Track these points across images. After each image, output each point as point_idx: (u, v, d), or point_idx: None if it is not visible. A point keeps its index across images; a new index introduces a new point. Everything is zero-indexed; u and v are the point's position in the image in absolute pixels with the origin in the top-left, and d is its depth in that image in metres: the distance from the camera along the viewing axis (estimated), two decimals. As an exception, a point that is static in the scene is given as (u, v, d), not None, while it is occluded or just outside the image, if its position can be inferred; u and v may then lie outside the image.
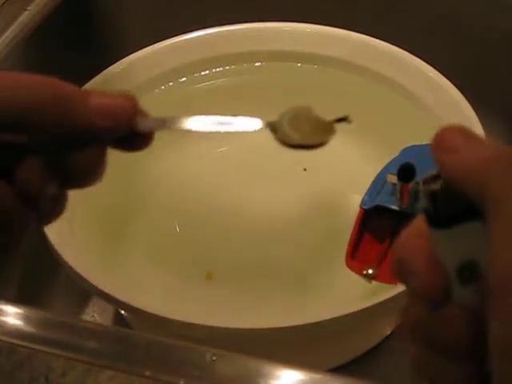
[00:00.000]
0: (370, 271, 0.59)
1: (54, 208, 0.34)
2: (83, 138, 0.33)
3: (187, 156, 0.69)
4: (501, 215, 0.25)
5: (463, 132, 0.27)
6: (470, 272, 0.27)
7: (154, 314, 0.49)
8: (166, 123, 0.35)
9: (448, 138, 0.27)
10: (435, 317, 0.27)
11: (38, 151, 0.32)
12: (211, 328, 0.48)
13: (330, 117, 0.38)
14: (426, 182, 0.28)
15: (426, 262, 0.27)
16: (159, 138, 0.76)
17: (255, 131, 0.35)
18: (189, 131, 0.35)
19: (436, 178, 0.28)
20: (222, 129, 0.35)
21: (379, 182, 0.62)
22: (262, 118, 0.35)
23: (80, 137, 0.33)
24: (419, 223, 0.28)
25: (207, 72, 0.72)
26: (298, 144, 0.37)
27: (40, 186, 0.32)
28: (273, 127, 0.36)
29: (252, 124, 0.35)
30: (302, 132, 0.36)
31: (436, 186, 0.27)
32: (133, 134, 0.34)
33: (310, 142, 0.37)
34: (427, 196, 0.28)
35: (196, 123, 0.35)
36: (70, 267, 0.52)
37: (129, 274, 0.61)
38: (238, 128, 0.35)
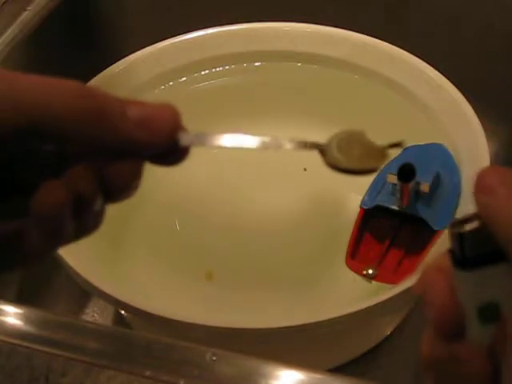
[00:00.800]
0: (370, 271, 0.59)
1: (95, 221, 0.33)
2: (121, 150, 0.31)
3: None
4: None
5: (501, 173, 0.27)
6: (491, 312, 0.27)
7: (153, 314, 0.49)
8: (207, 139, 0.34)
9: (485, 178, 0.27)
10: (450, 351, 0.28)
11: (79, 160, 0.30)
12: (211, 328, 0.48)
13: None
14: (455, 224, 0.28)
15: (444, 297, 0.28)
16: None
17: (301, 152, 0.34)
18: (228, 148, 0.33)
19: (466, 220, 0.28)
20: (265, 148, 0.34)
21: (379, 181, 0.62)
22: (309, 139, 0.35)
23: (118, 149, 0.31)
24: (443, 259, 0.29)
25: (207, 72, 0.72)
26: (346, 168, 0.35)
27: (90, 193, 0.31)
28: (322, 150, 0.35)
29: (299, 145, 0.35)
30: (353, 156, 0.35)
31: (464, 228, 0.28)
32: (171, 148, 0.32)
33: (360, 167, 0.35)
34: (454, 238, 0.28)
35: (238, 141, 0.33)
36: (70, 267, 0.52)
37: (129, 274, 0.61)
38: (282, 147, 0.34)
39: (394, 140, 0.37)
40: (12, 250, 0.31)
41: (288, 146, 0.34)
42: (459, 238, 0.28)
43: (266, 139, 0.33)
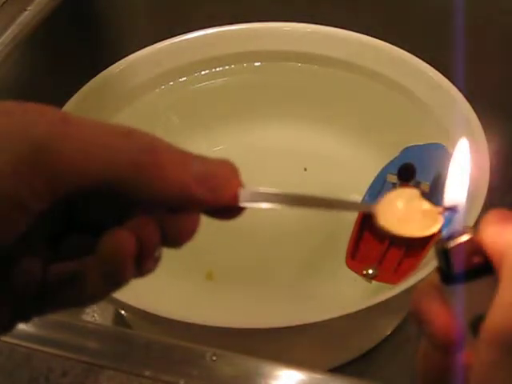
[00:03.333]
0: (370, 271, 0.59)
1: (153, 266, 0.33)
2: (181, 205, 0.30)
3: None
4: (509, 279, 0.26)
5: (503, 213, 0.30)
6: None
7: (153, 314, 0.49)
8: (266, 198, 0.32)
9: (491, 216, 0.30)
10: (450, 364, 0.28)
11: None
12: (211, 328, 0.48)
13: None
14: (439, 241, 0.28)
15: (440, 313, 0.28)
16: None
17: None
18: (288, 208, 0.32)
19: (449, 237, 0.29)
20: (321, 209, 0.33)
21: (379, 181, 0.62)
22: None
23: (178, 204, 0.30)
24: (434, 276, 0.29)
25: (207, 72, 0.72)
26: (400, 235, 0.34)
27: (153, 242, 0.31)
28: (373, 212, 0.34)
29: (354, 207, 0.34)
30: (408, 222, 0.34)
31: (448, 244, 0.28)
32: (230, 206, 0.32)
33: (414, 234, 0.34)
34: (440, 255, 0.28)
35: (297, 201, 0.33)
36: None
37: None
38: (338, 210, 0.34)
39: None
40: (71, 290, 0.31)
41: (345, 208, 0.34)
42: (444, 255, 0.28)
43: (324, 199, 0.33)
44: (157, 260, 0.32)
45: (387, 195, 0.34)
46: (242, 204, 0.32)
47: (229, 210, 0.32)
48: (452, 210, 0.35)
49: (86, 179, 0.28)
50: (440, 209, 0.35)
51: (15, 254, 0.29)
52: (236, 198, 0.31)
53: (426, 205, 0.35)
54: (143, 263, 0.31)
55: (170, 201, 0.30)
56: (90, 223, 0.31)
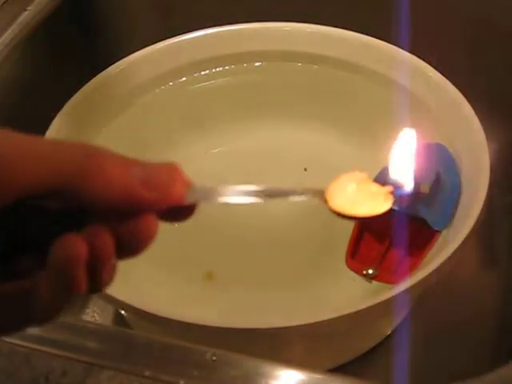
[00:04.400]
0: (370, 271, 0.59)
1: (109, 276, 0.32)
2: (129, 209, 0.31)
3: (186, 156, 0.69)
4: None
5: None
6: None
7: (153, 314, 0.49)
8: (214, 194, 0.34)
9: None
10: None
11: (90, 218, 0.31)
12: (211, 328, 0.48)
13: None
14: None
15: None
16: (158, 138, 0.76)
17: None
18: (238, 203, 0.33)
19: None
20: (274, 198, 0.33)
21: (379, 182, 0.62)
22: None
23: (126, 209, 0.31)
24: None
25: (207, 72, 0.72)
26: (351, 216, 0.35)
27: (107, 249, 0.31)
28: (325, 198, 0.35)
29: (303, 193, 0.34)
30: (357, 202, 0.35)
31: None
32: (178, 206, 0.32)
33: (366, 213, 0.35)
34: None
35: (246, 194, 0.33)
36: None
37: (129, 274, 0.61)
38: (290, 198, 0.34)
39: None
40: (20, 310, 0.30)
41: (296, 195, 0.34)
42: None
43: (273, 189, 0.33)
44: (112, 271, 0.32)
45: (337, 179, 0.35)
46: (190, 201, 0.33)
47: (179, 210, 0.33)
48: (400, 188, 0.36)
49: (32, 182, 0.28)
50: (389, 189, 0.35)
51: None
52: (182, 195, 0.32)
53: (374, 187, 0.36)
54: (98, 274, 0.31)
55: (115, 204, 0.30)
56: (41, 240, 0.31)
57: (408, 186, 0.36)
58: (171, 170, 0.32)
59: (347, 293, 0.60)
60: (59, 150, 0.29)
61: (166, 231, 0.69)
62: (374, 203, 0.35)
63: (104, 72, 0.68)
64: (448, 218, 0.58)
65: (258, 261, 0.63)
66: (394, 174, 0.37)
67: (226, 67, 0.72)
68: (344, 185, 0.35)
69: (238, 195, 0.33)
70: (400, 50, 0.68)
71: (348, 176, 0.35)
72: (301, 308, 0.59)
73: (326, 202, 0.34)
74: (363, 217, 0.35)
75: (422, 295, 0.58)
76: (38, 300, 0.30)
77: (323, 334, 0.53)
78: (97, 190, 0.30)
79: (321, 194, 0.34)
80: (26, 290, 0.30)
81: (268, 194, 0.34)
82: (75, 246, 0.29)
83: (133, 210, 0.31)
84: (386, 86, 0.69)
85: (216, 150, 0.71)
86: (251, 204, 0.32)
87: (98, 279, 0.31)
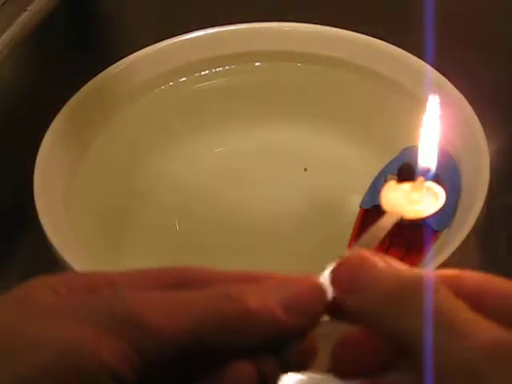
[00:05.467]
0: (370, 271, 0.59)
1: None
2: (273, 337, 0.30)
3: (186, 156, 0.69)
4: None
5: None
6: None
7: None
8: None
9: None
10: None
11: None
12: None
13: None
14: None
15: None
16: (158, 138, 0.76)
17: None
18: None
19: None
20: None
21: (379, 181, 0.62)
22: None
23: (275, 339, 0.30)
24: None
25: (207, 72, 0.72)
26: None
27: (272, 373, 0.30)
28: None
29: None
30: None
31: None
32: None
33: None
34: None
35: None
36: (71, 267, 0.52)
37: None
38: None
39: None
40: None
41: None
42: None
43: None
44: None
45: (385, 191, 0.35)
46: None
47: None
48: (428, 172, 0.37)
49: (174, 340, 0.28)
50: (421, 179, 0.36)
51: None
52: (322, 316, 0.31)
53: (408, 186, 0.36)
54: None
55: (262, 342, 0.30)
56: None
57: (432, 165, 0.37)
58: (313, 290, 0.31)
59: (347, 293, 0.60)
60: (207, 306, 0.29)
61: (165, 231, 0.69)
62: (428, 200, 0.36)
63: (104, 72, 0.68)
64: (448, 218, 0.58)
65: (258, 261, 0.63)
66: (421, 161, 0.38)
67: (226, 67, 0.72)
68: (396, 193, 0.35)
69: None
70: (400, 50, 0.68)
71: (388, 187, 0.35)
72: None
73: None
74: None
75: (422, 295, 0.58)
76: None
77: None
78: (240, 335, 0.29)
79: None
80: None
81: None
82: (245, 371, 0.29)
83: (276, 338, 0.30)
84: (386, 86, 0.69)
85: (216, 150, 0.71)
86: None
87: None
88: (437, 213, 0.34)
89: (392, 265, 0.30)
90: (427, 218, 0.36)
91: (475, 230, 0.54)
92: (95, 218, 0.63)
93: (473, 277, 0.29)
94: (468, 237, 0.53)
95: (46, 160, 0.61)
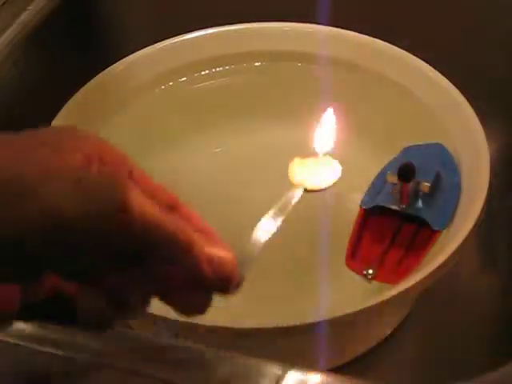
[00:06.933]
0: (370, 271, 0.59)
1: (142, 308, 0.37)
2: (189, 281, 0.35)
3: (186, 155, 0.69)
4: None
5: None
6: None
7: (153, 314, 0.49)
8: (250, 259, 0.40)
9: None
10: None
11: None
12: (211, 328, 0.48)
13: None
14: None
15: None
16: (158, 138, 0.76)
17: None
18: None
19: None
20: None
21: (379, 181, 0.62)
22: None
23: (187, 280, 0.35)
24: None
25: (207, 72, 0.72)
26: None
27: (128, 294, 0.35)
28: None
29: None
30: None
31: None
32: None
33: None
34: None
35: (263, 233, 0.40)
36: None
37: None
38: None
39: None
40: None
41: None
42: None
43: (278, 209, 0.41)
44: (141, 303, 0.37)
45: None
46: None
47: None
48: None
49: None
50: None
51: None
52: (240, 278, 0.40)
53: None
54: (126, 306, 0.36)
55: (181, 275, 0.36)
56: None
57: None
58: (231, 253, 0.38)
59: (347, 293, 0.60)
60: None
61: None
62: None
63: (104, 72, 0.68)
64: (448, 218, 0.58)
65: (258, 261, 0.63)
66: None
67: (226, 67, 0.72)
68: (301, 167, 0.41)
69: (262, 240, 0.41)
70: (400, 49, 0.68)
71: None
72: (301, 308, 0.59)
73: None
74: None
75: (422, 295, 0.58)
76: None
77: (323, 334, 0.53)
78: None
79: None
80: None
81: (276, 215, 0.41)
82: (95, 300, 0.35)
83: (191, 282, 0.35)
84: (386, 86, 0.69)
85: (216, 150, 0.71)
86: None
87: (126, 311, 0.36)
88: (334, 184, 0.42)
89: None
90: (325, 189, 0.43)
91: (475, 229, 0.54)
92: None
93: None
94: (468, 237, 0.53)
95: (46, 160, 0.61)
